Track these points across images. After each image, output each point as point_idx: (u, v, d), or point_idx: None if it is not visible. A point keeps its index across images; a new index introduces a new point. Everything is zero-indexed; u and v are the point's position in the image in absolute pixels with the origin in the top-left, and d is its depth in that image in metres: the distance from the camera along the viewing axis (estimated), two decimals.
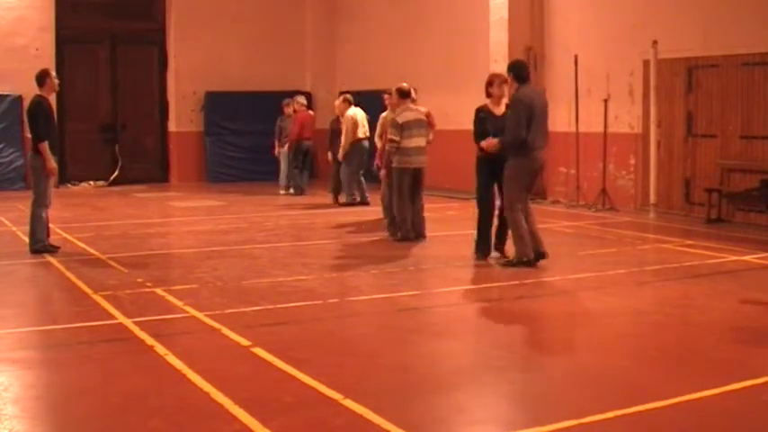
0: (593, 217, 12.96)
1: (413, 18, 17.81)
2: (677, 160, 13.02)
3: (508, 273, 8.67)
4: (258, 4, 19.71)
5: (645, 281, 8.57)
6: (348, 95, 14.67)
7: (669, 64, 12.90)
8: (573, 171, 14.47)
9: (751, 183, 11.81)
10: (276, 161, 16.77)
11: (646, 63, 13.21)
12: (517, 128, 8.68)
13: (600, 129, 13.92)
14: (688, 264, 9.11)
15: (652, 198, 13.14)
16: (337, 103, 14.80)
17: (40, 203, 9.68)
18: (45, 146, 9.49)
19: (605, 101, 13.78)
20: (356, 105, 14.48)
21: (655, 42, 12.81)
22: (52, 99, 10.11)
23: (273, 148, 16.75)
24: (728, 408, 4.85)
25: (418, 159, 10.63)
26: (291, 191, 16.29)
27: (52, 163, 9.57)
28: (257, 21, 19.59)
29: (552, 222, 12.12)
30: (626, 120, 13.74)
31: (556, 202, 14.70)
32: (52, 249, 9.77)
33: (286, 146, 16.19)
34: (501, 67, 14.98)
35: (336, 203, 14.59)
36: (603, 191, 13.71)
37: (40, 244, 9.70)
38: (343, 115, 14.39)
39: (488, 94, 9.36)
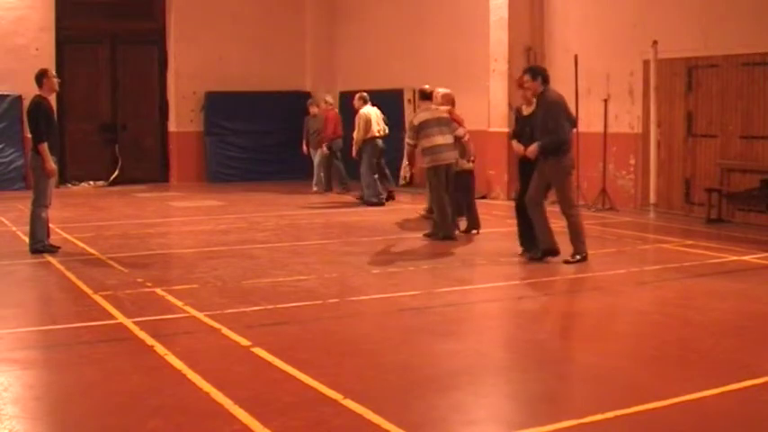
0: (594, 217, 12.95)
1: (413, 18, 17.81)
2: (677, 160, 13.02)
3: (508, 273, 8.68)
4: (258, 4, 19.71)
5: (645, 281, 8.57)
6: (364, 94, 14.73)
7: (669, 64, 12.90)
8: (573, 171, 14.44)
9: (751, 183, 11.82)
10: (305, 160, 17.04)
11: (646, 63, 13.22)
12: (559, 130, 8.86)
13: (600, 129, 13.92)
14: (688, 264, 9.11)
15: (652, 198, 13.15)
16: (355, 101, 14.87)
17: (40, 203, 9.68)
18: (44, 147, 9.47)
19: (605, 101, 13.78)
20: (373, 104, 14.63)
21: (655, 42, 12.81)
22: (52, 99, 10.09)
23: (302, 146, 17.05)
24: (728, 408, 4.85)
25: (447, 156, 10.68)
26: (336, 189, 16.47)
27: (51, 164, 9.55)
28: (257, 21, 19.60)
29: (552, 222, 12.07)
30: (626, 120, 13.74)
31: (556, 202, 14.67)
32: (52, 249, 9.77)
33: (324, 145, 16.23)
34: (501, 67, 15.12)
35: (360, 200, 14.73)
36: (603, 191, 13.71)
37: (39, 244, 9.70)
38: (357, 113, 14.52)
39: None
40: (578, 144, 14.05)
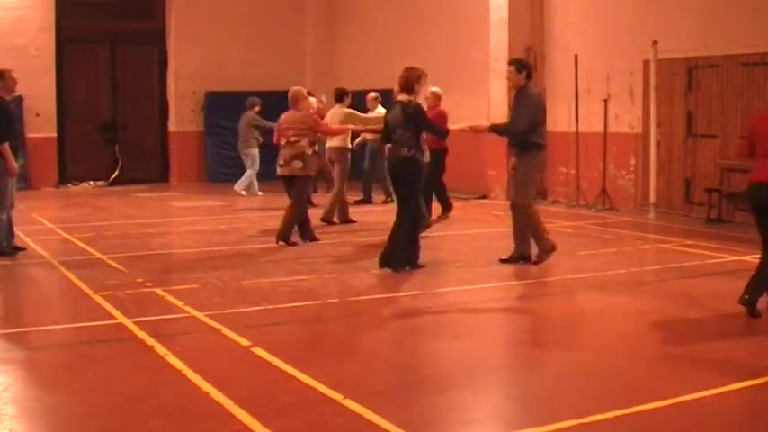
0: (593, 217, 12.96)
1: (413, 18, 17.80)
2: (677, 160, 13.02)
3: (508, 273, 8.68)
4: (258, 4, 19.70)
5: (645, 281, 8.57)
6: (377, 95, 14.65)
7: (669, 64, 12.90)
8: (573, 171, 14.46)
9: None
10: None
11: (646, 63, 13.21)
12: (517, 122, 8.86)
13: (600, 129, 13.91)
14: (688, 264, 9.11)
15: (652, 198, 13.15)
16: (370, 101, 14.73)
17: (1, 206, 9.48)
18: (6, 147, 9.33)
19: (605, 101, 13.77)
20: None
21: (655, 42, 12.81)
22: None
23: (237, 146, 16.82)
24: (728, 408, 4.85)
25: None
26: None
27: (14, 164, 9.44)
28: (257, 21, 19.59)
29: (552, 222, 12.10)
30: (626, 120, 13.73)
31: (556, 202, 14.69)
32: (12, 252, 9.53)
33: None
34: (501, 67, 15.06)
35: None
36: (603, 191, 13.71)
37: None
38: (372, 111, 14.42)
39: (415, 92, 8.76)
40: (578, 144, 14.15)
